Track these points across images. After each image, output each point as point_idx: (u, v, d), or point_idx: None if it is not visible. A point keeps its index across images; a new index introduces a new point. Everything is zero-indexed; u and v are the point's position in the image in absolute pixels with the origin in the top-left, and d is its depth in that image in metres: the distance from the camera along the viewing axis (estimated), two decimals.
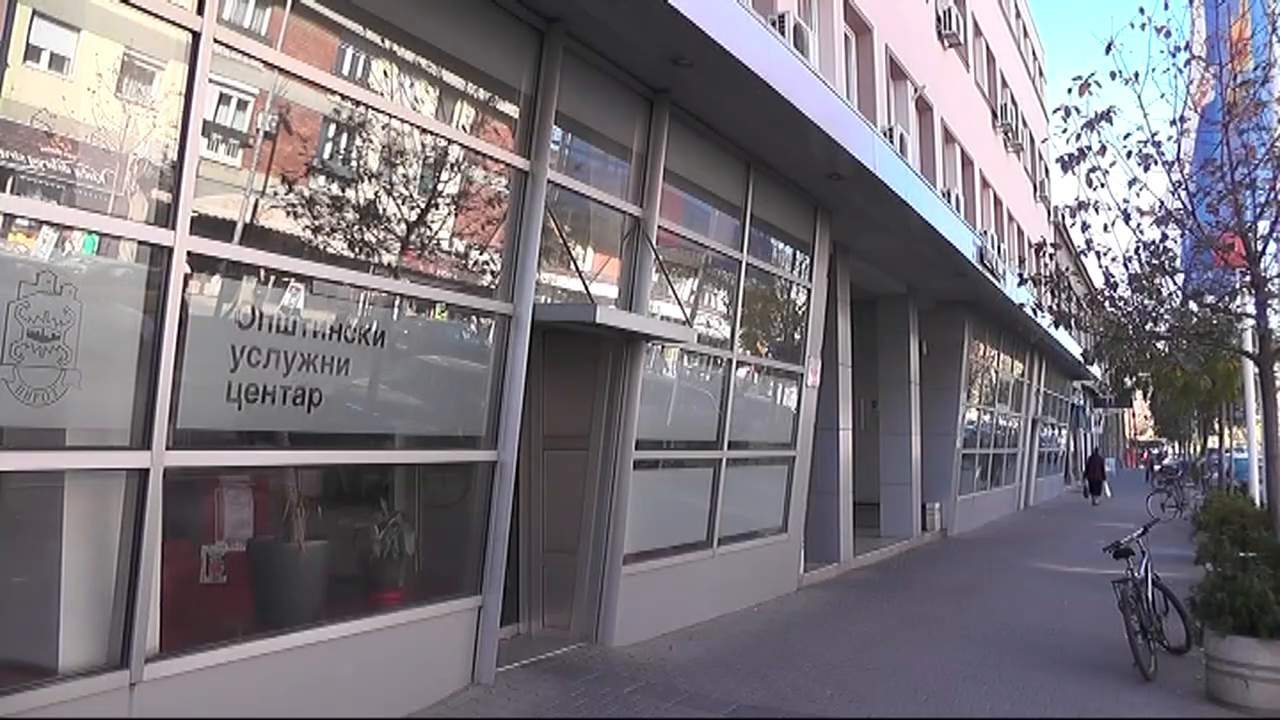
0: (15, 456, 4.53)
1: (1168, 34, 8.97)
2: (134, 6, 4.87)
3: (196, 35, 5.11)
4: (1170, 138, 9.29)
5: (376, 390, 6.69)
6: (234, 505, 6.04)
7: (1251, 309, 9.44)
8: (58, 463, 4.77)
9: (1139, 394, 42.25)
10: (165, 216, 5.03)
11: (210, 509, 5.91)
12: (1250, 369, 15.10)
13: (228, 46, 5.33)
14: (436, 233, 7.11)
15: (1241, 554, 8.37)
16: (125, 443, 4.92)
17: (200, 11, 5.12)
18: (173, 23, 5.05)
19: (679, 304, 9.80)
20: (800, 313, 12.88)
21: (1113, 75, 9.11)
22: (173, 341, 4.98)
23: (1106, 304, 10.27)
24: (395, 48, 6.68)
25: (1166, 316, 10.15)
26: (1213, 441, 29.50)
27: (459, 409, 7.45)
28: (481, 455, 7.30)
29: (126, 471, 4.93)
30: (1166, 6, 8.89)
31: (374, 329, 6.41)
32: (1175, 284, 9.94)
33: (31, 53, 4.62)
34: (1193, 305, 10.53)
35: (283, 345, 5.71)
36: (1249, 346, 11.48)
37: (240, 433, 5.69)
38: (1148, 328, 10.20)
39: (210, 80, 5.23)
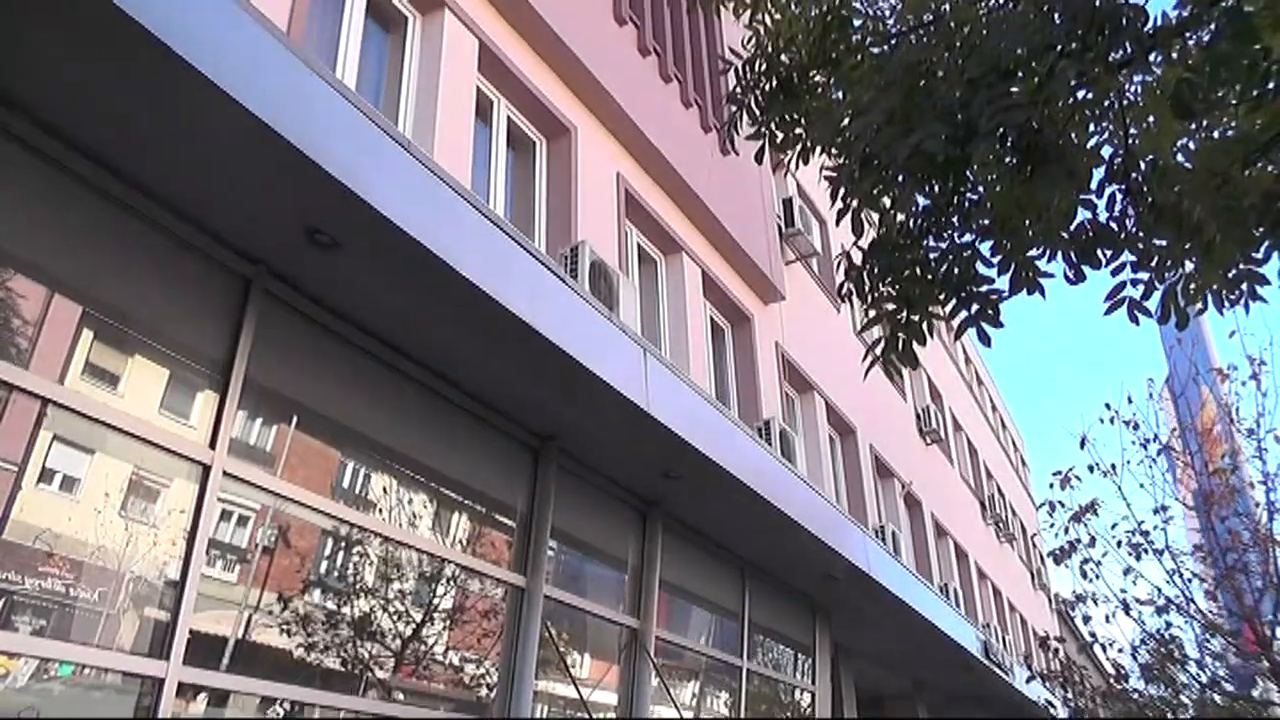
0: None
1: (1135, 426, 9.45)
2: (150, 443, 5.13)
3: (207, 468, 5.34)
4: (1156, 526, 9.49)
5: None
6: None
7: (1275, 696, 9.16)
8: None
9: None
10: (159, 642, 4.98)
11: None
12: None
13: (236, 478, 5.54)
14: (431, 648, 7.00)
15: None
16: None
17: (213, 446, 5.38)
18: (186, 457, 5.29)
19: (678, 711, 9.45)
20: (805, 715, 12.39)
21: (1090, 469, 9.47)
22: None
23: (1121, 696, 9.98)
24: (394, 466, 6.93)
25: (1188, 705, 9.83)
26: None
27: None
28: None
29: None
30: (1130, 400, 9.46)
31: None
32: (1189, 674, 9.72)
33: (45, 475, 4.76)
34: (1215, 695, 10.21)
35: None
36: None
37: None
38: (1169, 718, 9.84)
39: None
